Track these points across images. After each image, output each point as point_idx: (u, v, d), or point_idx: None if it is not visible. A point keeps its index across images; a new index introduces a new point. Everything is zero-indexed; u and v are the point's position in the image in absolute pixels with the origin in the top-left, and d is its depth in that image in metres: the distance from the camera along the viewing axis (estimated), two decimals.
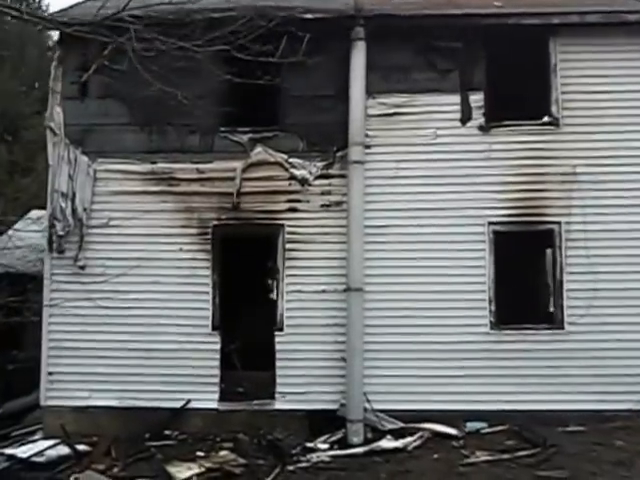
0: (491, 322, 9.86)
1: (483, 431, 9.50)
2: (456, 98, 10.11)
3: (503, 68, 9.95)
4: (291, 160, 10.20)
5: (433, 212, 9.95)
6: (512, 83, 9.99)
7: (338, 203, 10.12)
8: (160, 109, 10.26)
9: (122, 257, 10.12)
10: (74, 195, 10.31)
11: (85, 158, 10.33)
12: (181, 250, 10.19)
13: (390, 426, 9.60)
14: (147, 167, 10.33)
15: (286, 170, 10.22)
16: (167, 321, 10.01)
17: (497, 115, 10.06)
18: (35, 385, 11.49)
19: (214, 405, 10.04)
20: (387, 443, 9.15)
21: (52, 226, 10.30)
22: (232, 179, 10.20)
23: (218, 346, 10.10)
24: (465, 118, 10.10)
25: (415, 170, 10.02)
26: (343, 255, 9.92)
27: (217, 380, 10.05)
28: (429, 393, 9.74)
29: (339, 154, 10.15)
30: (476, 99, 10.11)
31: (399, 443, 9.09)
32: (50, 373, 10.23)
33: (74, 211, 10.27)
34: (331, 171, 10.18)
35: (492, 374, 9.72)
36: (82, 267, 10.25)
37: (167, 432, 9.94)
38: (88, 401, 10.10)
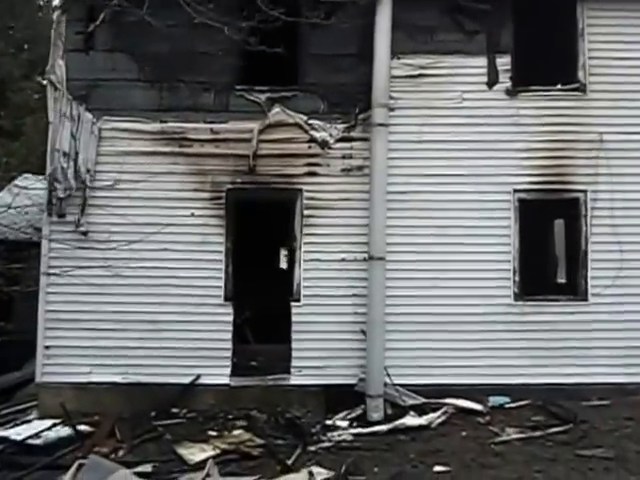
0: (515, 293, 9.43)
1: (507, 406, 9.10)
2: (483, 61, 9.66)
3: (531, 32, 9.55)
4: (311, 122, 9.62)
5: (457, 178, 9.48)
6: (539, 47, 9.59)
7: (359, 168, 9.58)
8: (172, 64, 9.63)
9: (128, 222, 9.41)
10: (77, 155, 9.56)
11: (89, 115, 9.58)
12: (193, 215, 9.53)
13: (411, 401, 9.11)
14: (157, 126, 9.63)
15: (305, 132, 9.64)
16: (176, 291, 9.33)
17: (524, 79, 9.64)
18: (26, 359, 10.75)
19: (226, 380, 9.39)
20: (411, 420, 8.64)
21: (52, 188, 9.53)
22: (248, 141, 9.57)
23: (230, 318, 9.46)
24: (492, 81, 9.65)
25: (439, 134, 9.52)
26: (364, 222, 9.40)
27: (229, 354, 9.41)
28: (449, 367, 9.27)
29: (361, 116, 9.60)
30: (503, 62, 9.66)
31: (423, 420, 8.58)
32: (47, 347, 9.45)
33: (76, 172, 9.53)
34: (352, 134, 9.63)
35: (514, 347, 9.31)
36: (84, 233, 9.52)
37: (175, 410, 9.26)
38: (89, 377, 9.38)
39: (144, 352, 9.40)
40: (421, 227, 9.45)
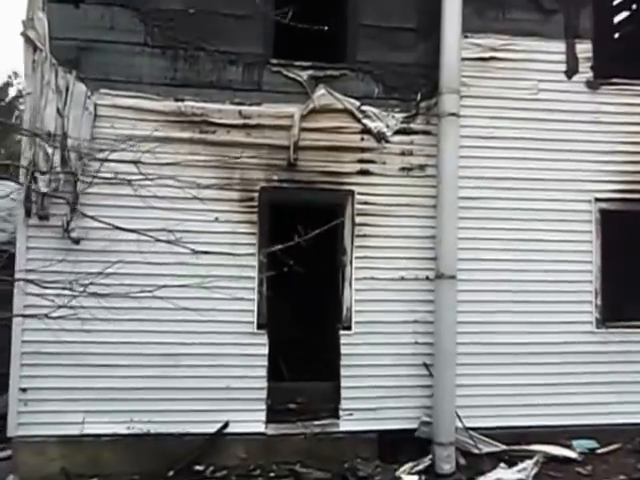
0: (597, 319, 7.93)
1: (598, 451, 7.71)
2: (561, 46, 8.02)
3: (613, 16, 8.15)
4: (364, 108, 7.66)
5: (532, 183, 7.82)
6: (624, 34, 8.21)
7: (421, 167, 7.74)
8: (189, 27, 7.36)
9: (134, 228, 7.17)
10: (65, 137, 7.14)
11: (82, 87, 7.12)
12: (217, 220, 7.38)
13: (487, 449, 7.49)
14: (170, 105, 7.33)
15: (357, 121, 7.67)
16: (197, 317, 7.00)
17: (607, 71, 8.14)
18: None
19: (261, 428, 7.30)
20: (505, 473, 7.05)
21: (31, 180, 7.09)
22: (287, 128, 7.49)
23: (265, 350, 7.37)
24: (571, 71, 8.08)
25: (512, 130, 7.82)
26: (428, 233, 7.61)
27: (263, 395, 7.30)
28: (526, 406, 7.66)
29: (423, 104, 7.75)
30: (584, 49, 8.07)
31: (521, 474, 7.04)
32: (23, 389, 6.98)
33: (65, 160, 7.10)
34: (413, 125, 7.75)
35: (597, 381, 7.80)
36: (76, 240, 7.14)
37: (199, 467, 7.12)
38: (83, 428, 7.02)
39: (157, 394, 7.14)
40: (492, 240, 7.74)
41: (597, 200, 8.03)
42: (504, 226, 7.81)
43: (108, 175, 7.03)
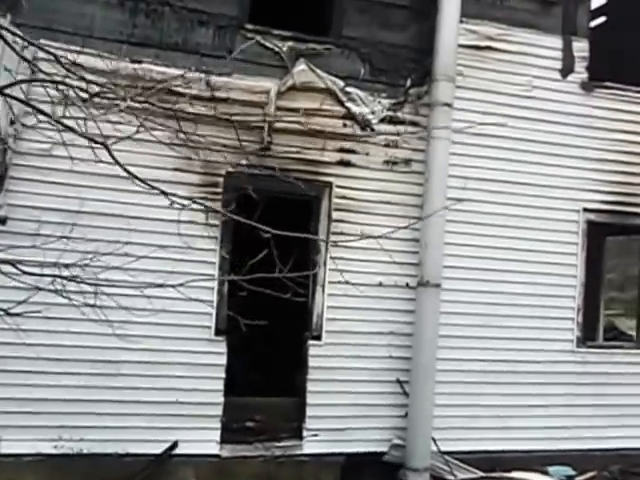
0: (577, 338, 7.29)
1: (576, 479, 7.07)
2: (558, 42, 7.28)
3: (611, 14, 7.49)
4: (349, 89, 6.63)
5: (521, 188, 7.04)
6: (621, 36, 7.56)
7: (407, 161, 6.81)
8: None
9: (71, 209, 5.88)
10: None
11: (17, 35, 5.85)
12: (171, 207, 6.21)
13: (463, 475, 6.68)
14: (126, 66, 6.04)
15: (340, 104, 6.63)
16: (144, 319, 5.80)
17: (601, 73, 7.48)
18: None
19: (214, 449, 6.16)
20: None
21: None
22: (261, 105, 6.37)
23: (223, 360, 6.22)
24: (566, 69, 7.34)
25: (502, 128, 6.97)
26: (411, 236, 6.69)
27: (219, 411, 6.17)
28: (501, 429, 6.90)
29: (412, 91, 6.81)
30: (580, 47, 7.35)
31: None
32: None
33: None
34: (400, 114, 6.80)
35: (575, 404, 7.16)
36: (2, 220, 5.81)
37: None
38: (0, 446, 5.78)
39: (91, 407, 5.88)
40: (476, 247, 6.90)
41: (585, 210, 7.35)
42: (490, 232, 7.00)
43: (43, 147, 5.77)
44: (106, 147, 4.01)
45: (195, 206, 6.11)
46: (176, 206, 6.00)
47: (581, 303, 7.29)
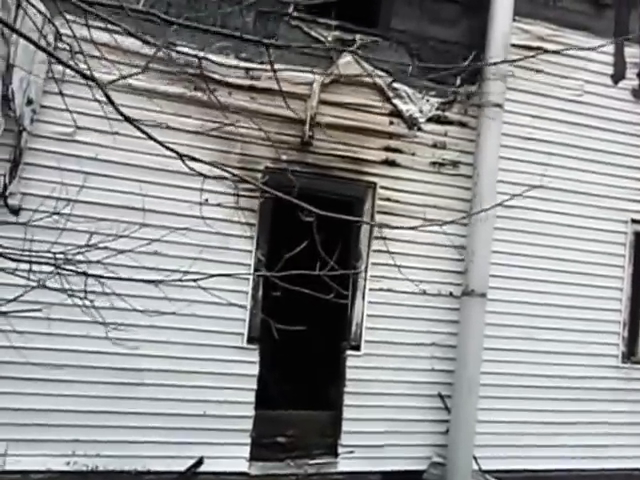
0: (623, 353, 5.37)
1: None
2: (609, 46, 5.42)
3: None
4: (396, 85, 4.78)
5: (567, 195, 5.11)
6: None
7: (454, 163, 4.93)
8: None
9: (94, 201, 4.08)
10: (10, 72, 3.95)
11: (41, 6, 3.94)
12: (206, 203, 4.38)
13: None
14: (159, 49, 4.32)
15: (387, 100, 4.76)
16: (170, 323, 4.06)
17: None
18: None
19: (243, 467, 4.28)
20: None
21: None
22: (303, 98, 4.50)
23: (255, 370, 4.36)
24: (618, 75, 5.39)
25: (553, 134, 5.11)
26: (456, 242, 4.78)
27: (248, 426, 4.32)
28: (542, 447, 5.02)
29: (462, 90, 4.96)
30: (632, 53, 5.38)
31: None
32: None
33: (7, 101, 3.93)
34: (448, 114, 4.90)
35: (619, 421, 5.18)
36: (15, 210, 3.97)
37: None
38: (4, 462, 3.89)
39: (108, 420, 4.03)
40: (524, 256, 5.00)
41: (633, 222, 5.38)
42: (536, 241, 5.06)
43: (66, 129, 3.92)
44: (98, 85, 2.25)
45: (229, 204, 4.32)
46: (211, 202, 4.22)
47: (627, 317, 5.33)
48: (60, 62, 2.56)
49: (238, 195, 4.34)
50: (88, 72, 2.49)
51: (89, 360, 4.08)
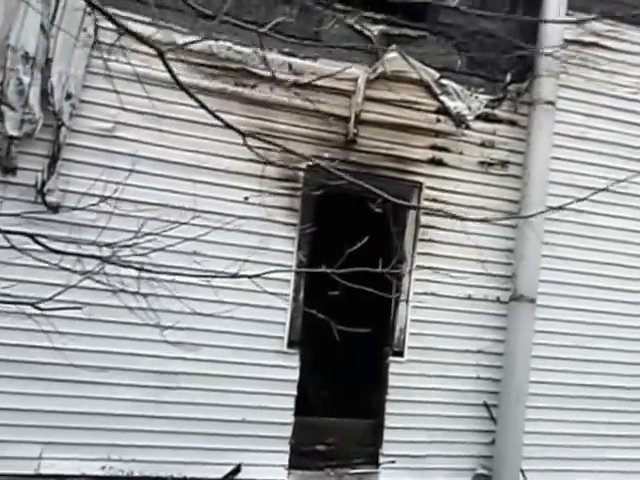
0: None
1: None
2: None
3: None
4: (444, 81, 4.50)
5: (621, 198, 4.78)
6: None
7: (503, 163, 4.62)
8: None
9: (132, 199, 3.88)
10: (49, 64, 3.78)
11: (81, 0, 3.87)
12: (246, 201, 4.16)
13: None
14: (199, 43, 4.09)
15: (434, 97, 4.47)
16: (208, 325, 3.89)
17: None
18: None
19: (281, 475, 4.04)
20: None
21: None
22: (347, 94, 4.25)
23: (295, 375, 4.12)
24: None
25: (606, 133, 4.77)
26: (504, 245, 4.52)
27: (288, 433, 4.09)
28: (595, 460, 4.65)
29: (512, 87, 4.63)
30: None
31: None
32: None
33: (46, 95, 3.77)
34: (497, 112, 4.58)
35: None
36: (53, 207, 3.80)
37: None
38: (39, 465, 3.76)
39: (144, 424, 3.83)
40: (576, 261, 4.68)
41: None
42: (589, 245, 4.72)
43: (106, 125, 3.73)
44: (160, 54, 2.05)
45: (268, 202, 4.09)
46: (252, 201, 3.99)
47: None
48: (113, 21, 2.34)
49: (279, 194, 4.12)
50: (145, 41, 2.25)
51: (125, 362, 3.89)
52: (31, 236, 2.90)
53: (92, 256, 2.91)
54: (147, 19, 3.91)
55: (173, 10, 3.98)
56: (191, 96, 2.42)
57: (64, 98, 3.73)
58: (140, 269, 2.82)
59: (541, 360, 4.48)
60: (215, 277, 3.14)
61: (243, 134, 2.40)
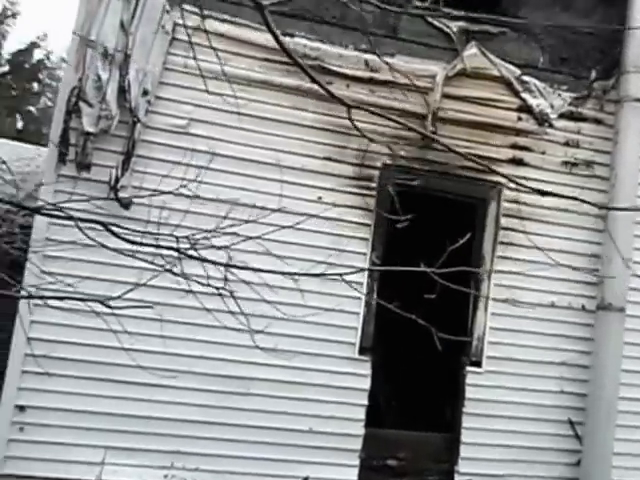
0: None
1: None
2: None
3: None
4: (525, 79, 4.20)
5: None
6: None
7: (588, 164, 4.26)
8: None
9: (206, 196, 3.70)
10: (127, 61, 3.68)
11: None
12: (319, 201, 3.94)
13: None
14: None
15: (515, 94, 4.16)
16: (279, 329, 3.62)
17: None
18: None
19: None
20: None
21: (73, 111, 3.60)
22: (425, 91, 4.05)
23: (367, 383, 3.82)
24: None
25: None
26: (590, 250, 4.14)
27: (357, 445, 3.78)
28: None
29: (597, 85, 4.30)
30: None
31: None
32: (21, 407, 3.48)
33: (123, 91, 3.66)
34: (582, 110, 4.24)
35: None
36: (125, 204, 3.67)
37: None
38: (101, 472, 3.55)
39: (210, 431, 3.61)
40: None
41: None
42: None
43: (180, 122, 3.57)
44: (260, 7, 1.85)
45: (342, 202, 3.83)
46: (326, 201, 3.75)
47: None
48: None
49: (353, 193, 3.87)
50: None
51: (191, 365, 3.67)
52: (104, 224, 2.69)
53: (169, 247, 2.69)
54: (225, 16, 3.76)
55: (249, 7, 3.82)
56: (295, 61, 2.21)
57: (140, 94, 3.59)
58: (222, 264, 2.58)
59: (632, 375, 4.05)
60: (300, 276, 2.88)
61: (348, 105, 2.15)
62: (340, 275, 2.83)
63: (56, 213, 2.59)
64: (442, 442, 3.97)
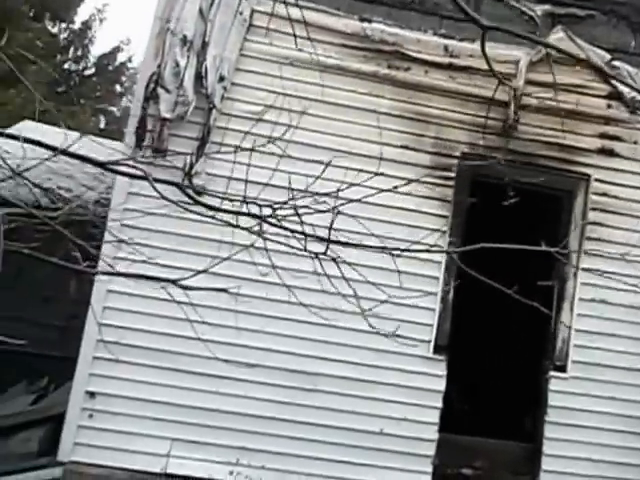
0: None
1: None
2: None
3: None
4: (616, 64, 3.87)
5: None
6: None
7: None
8: None
9: (276, 184, 3.50)
10: (205, 47, 3.57)
11: None
12: (394, 191, 3.71)
13: None
14: (353, 25, 3.62)
15: (605, 80, 3.81)
16: (351, 323, 3.34)
17: None
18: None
19: None
20: None
21: (151, 97, 3.52)
22: (508, 78, 3.77)
23: (441, 384, 3.52)
24: None
25: None
26: None
27: (431, 451, 3.45)
28: None
29: None
30: None
31: None
32: (91, 394, 3.39)
33: (200, 78, 3.55)
34: None
35: None
36: (199, 191, 3.54)
37: None
38: (167, 463, 3.43)
39: (276, 427, 3.39)
40: None
41: None
42: None
43: (254, 108, 3.42)
44: None
45: (419, 192, 3.58)
46: (401, 190, 3.49)
47: None
48: None
49: (431, 183, 3.60)
50: None
51: (259, 358, 3.46)
52: (179, 186, 2.49)
53: (250, 214, 2.46)
54: (302, 2, 3.60)
55: None
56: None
57: (217, 81, 3.47)
58: (311, 236, 2.35)
59: None
60: (390, 250, 2.61)
61: (484, 27, 1.90)
62: (424, 252, 2.56)
63: (132, 172, 2.43)
64: (522, 452, 3.62)
